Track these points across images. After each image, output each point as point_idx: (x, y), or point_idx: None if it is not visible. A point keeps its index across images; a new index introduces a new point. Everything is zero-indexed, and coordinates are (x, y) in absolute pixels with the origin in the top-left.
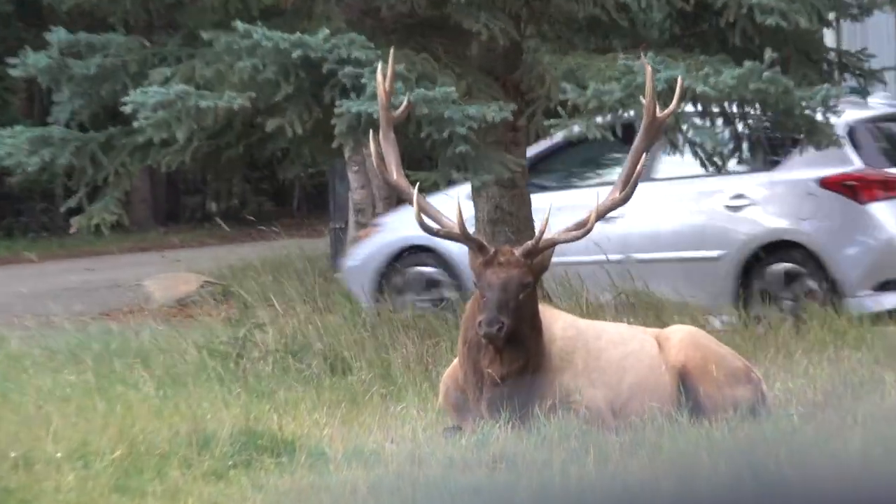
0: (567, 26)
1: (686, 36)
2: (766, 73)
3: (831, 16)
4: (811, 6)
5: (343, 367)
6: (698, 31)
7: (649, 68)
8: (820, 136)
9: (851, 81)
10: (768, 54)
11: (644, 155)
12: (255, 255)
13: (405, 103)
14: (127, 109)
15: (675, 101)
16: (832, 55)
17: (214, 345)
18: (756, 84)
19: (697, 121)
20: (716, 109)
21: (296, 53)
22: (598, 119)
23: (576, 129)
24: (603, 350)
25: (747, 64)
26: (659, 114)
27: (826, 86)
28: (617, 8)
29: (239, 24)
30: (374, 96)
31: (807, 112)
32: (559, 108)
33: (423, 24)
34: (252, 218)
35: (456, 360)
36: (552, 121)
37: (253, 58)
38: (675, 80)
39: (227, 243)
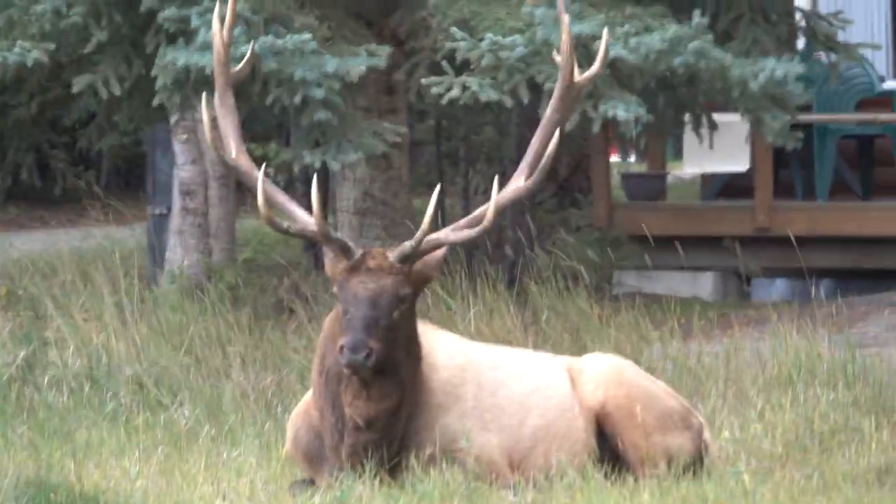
0: None
1: None
2: (693, 43)
3: None
4: None
5: (161, 399)
6: None
7: (566, 18)
8: (765, 130)
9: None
10: (697, 16)
11: (557, 130)
12: (49, 247)
13: (247, 55)
14: None
15: (598, 61)
16: (799, 17)
17: None
18: (684, 57)
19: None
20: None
21: None
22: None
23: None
24: (500, 384)
25: (672, 28)
26: (577, 77)
27: (774, 60)
28: None
29: None
30: (207, 46)
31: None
32: (444, 64)
33: None
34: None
35: (309, 395)
36: (433, 78)
37: None
38: (589, 37)
39: (11, 230)
